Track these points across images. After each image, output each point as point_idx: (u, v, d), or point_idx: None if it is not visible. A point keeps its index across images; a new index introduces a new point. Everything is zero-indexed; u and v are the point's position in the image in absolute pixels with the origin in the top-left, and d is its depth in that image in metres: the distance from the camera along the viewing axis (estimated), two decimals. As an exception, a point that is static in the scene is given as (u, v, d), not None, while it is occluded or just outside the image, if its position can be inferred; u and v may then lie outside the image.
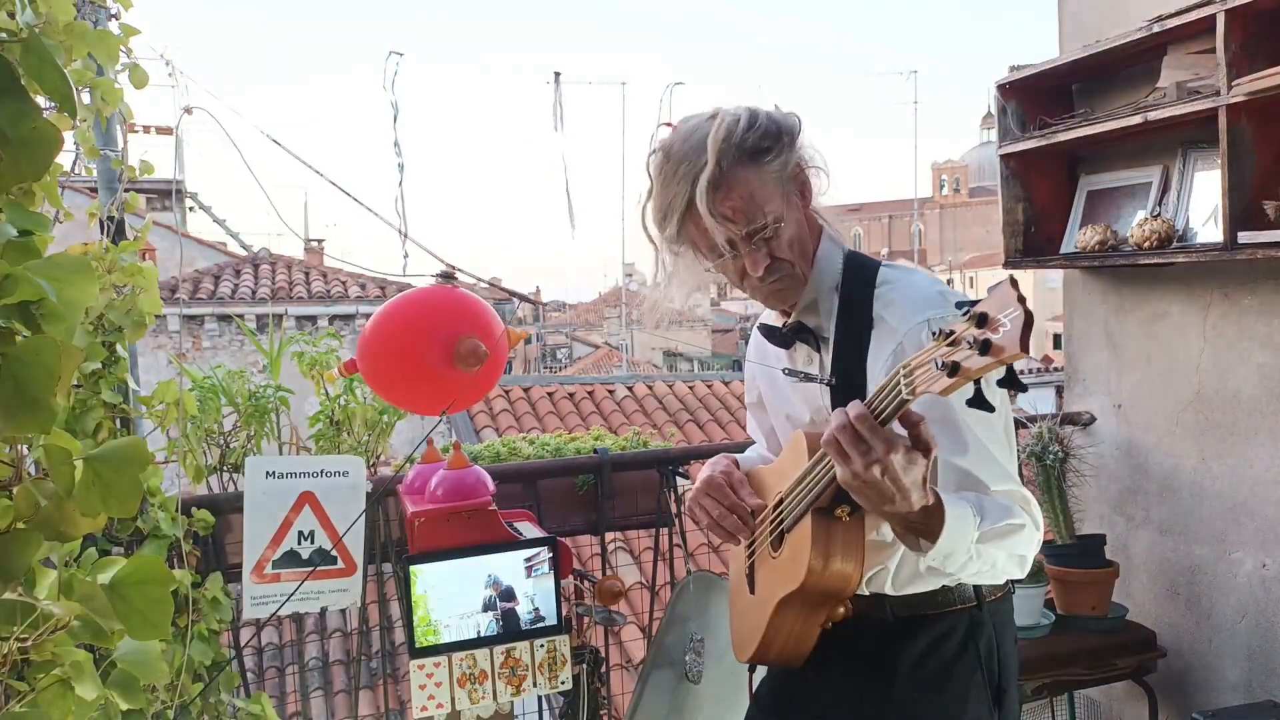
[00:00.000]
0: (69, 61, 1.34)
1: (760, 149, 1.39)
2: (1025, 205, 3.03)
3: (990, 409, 1.10)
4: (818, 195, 1.49)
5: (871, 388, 1.32)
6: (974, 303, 1.06)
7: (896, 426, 1.20)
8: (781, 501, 1.45)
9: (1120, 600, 2.92)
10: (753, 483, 1.60)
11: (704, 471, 1.62)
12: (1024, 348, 1.00)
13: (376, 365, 1.96)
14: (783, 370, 1.56)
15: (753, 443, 1.87)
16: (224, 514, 2.32)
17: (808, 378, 1.49)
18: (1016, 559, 1.38)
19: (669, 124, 1.45)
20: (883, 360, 1.38)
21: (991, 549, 1.33)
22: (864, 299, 1.44)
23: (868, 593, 1.48)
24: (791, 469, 1.42)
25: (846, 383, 1.41)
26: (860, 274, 1.47)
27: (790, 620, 1.44)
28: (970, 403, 1.09)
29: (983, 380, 1.07)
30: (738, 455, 1.75)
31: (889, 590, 1.47)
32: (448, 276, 1.99)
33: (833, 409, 1.41)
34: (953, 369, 1.06)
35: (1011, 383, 1.07)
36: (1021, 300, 1.00)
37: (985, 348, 1.02)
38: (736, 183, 1.39)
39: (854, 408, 1.20)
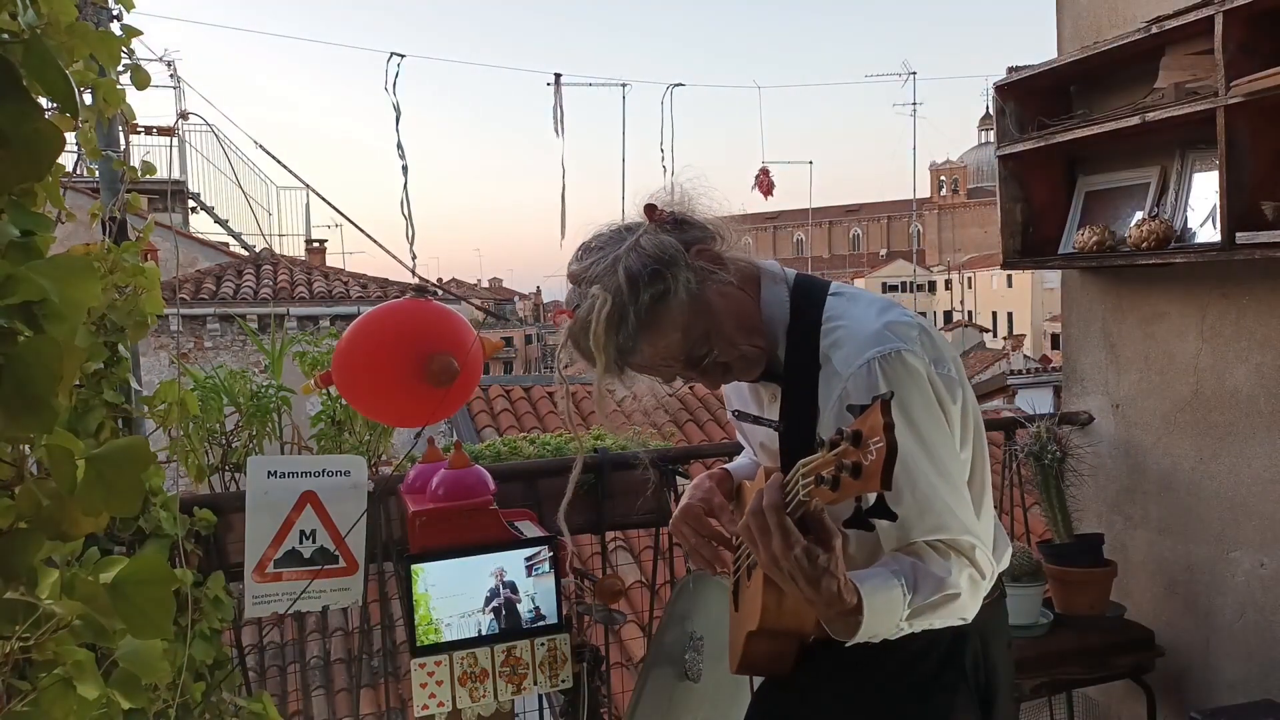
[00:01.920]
0: (70, 62, 1.34)
1: (657, 297, 1.32)
2: (1023, 206, 3.03)
3: (869, 529, 1.08)
4: (729, 252, 1.40)
5: (821, 431, 1.32)
6: (864, 408, 1.04)
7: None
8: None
9: (1118, 599, 2.93)
10: (743, 497, 1.61)
11: (685, 496, 1.63)
12: (884, 484, 0.98)
13: (350, 380, 1.97)
14: (732, 413, 1.56)
15: None
16: (226, 513, 2.32)
17: (756, 420, 1.49)
18: (955, 619, 1.37)
19: (563, 311, 1.38)
20: (830, 404, 1.35)
21: (924, 619, 1.31)
22: (810, 338, 1.40)
23: None
24: None
25: (794, 427, 1.39)
26: (807, 311, 1.42)
27: (762, 648, 1.45)
28: (848, 523, 1.08)
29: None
30: (731, 465, 1.75)
31: None
32: (421, 291, 2.00)
33: (781, 453, 1.40)
34: (834, 484, 1.04)
35: (879, 512, 1.05)
36: (888, 429, 0.98)
37: (856, 471, 1.01)
38: (654, 338, 1.35)
39: (769, 494, 1.18)
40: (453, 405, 2.01)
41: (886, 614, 1.27)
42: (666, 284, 1.33)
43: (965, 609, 1.36)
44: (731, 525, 1.55)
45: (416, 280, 2.01)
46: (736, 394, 1.62)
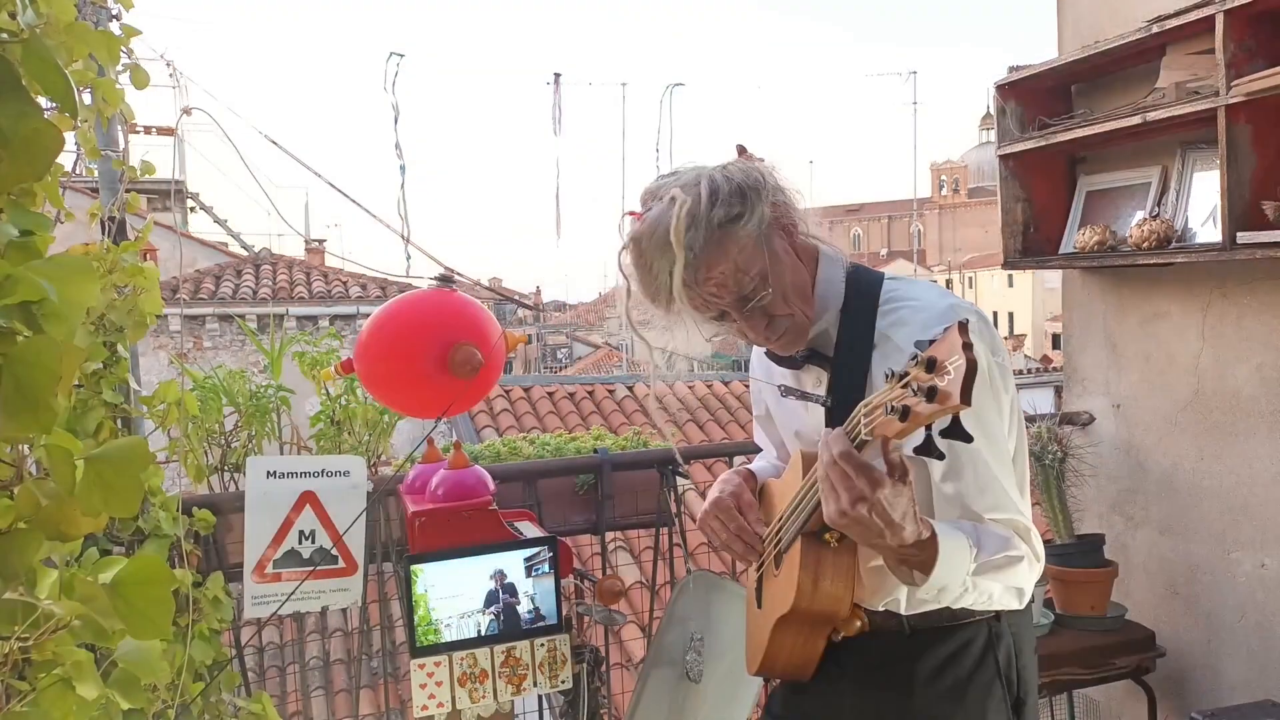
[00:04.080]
0: (70, 62, 1.33)
1: (730, 218, 1.33)
2: (1024, 205, 3.03)
3: (939, 456, 1.08)
4: (801, 223, 1.43)
5: None
6: (932, 342, 1.04)
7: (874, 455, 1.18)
8: (781, 521, 1.45)
9: (1119, 600, 2.92)
10: (766, 496, 1.60)
11: (713, 491, 1.61)
12: (964, 399, 0.98)
13: (372, 369, 1.96)
14: (779, 388, 1.54)
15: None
16: (225, 514, 2.32)
17: (803, 396, 1.47)
18: (1014, 591, 1.37)
19: (634, 213, 1.39)
20: None
21: (987, 581, 1.31)
22: (867, 318, 1.41)
23: (881, 608, 1.46)
24: (792, 489, 1.42)
25: (844, 403, 1.37)
26: (864, 292, 1.44)
27: (790, 639, 1.44)
28: (918, 450, 1.07)
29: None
30: (752, 466, 1.74)
31: (902, 610, 1.46)
32: (446, 280, 1.98)
33: (828, 429, 1.41)
34: (903, 413, 1.04)
35: (955, 433, 1.04)
36: (967, 347, 0.98)
37: (931, 394, 1.01)
38: (714, 259, 1.34)
39: (837, 443, 1.18)
40: (474, 397, 2.01)
41: (956, 561, 1.26)
42: (745, 208, 1.34)
43: (1024, 580, 1.35)
44: (759, 524, 1.54)
45: (443, 270, 1.99)
46: (771, 378, 1.61)
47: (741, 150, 1.41)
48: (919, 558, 1.24)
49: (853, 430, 1.17)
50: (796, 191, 1.43)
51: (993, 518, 1.33)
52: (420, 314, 1.97)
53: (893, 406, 1.06)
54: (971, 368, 0.98)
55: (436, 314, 1.95)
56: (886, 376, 1.09)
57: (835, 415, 1.39)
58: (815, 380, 1.49)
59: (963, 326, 1.01)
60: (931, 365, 1.01)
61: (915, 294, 1.42)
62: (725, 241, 1.33)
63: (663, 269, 1.33)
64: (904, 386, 1.05)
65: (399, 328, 1.95)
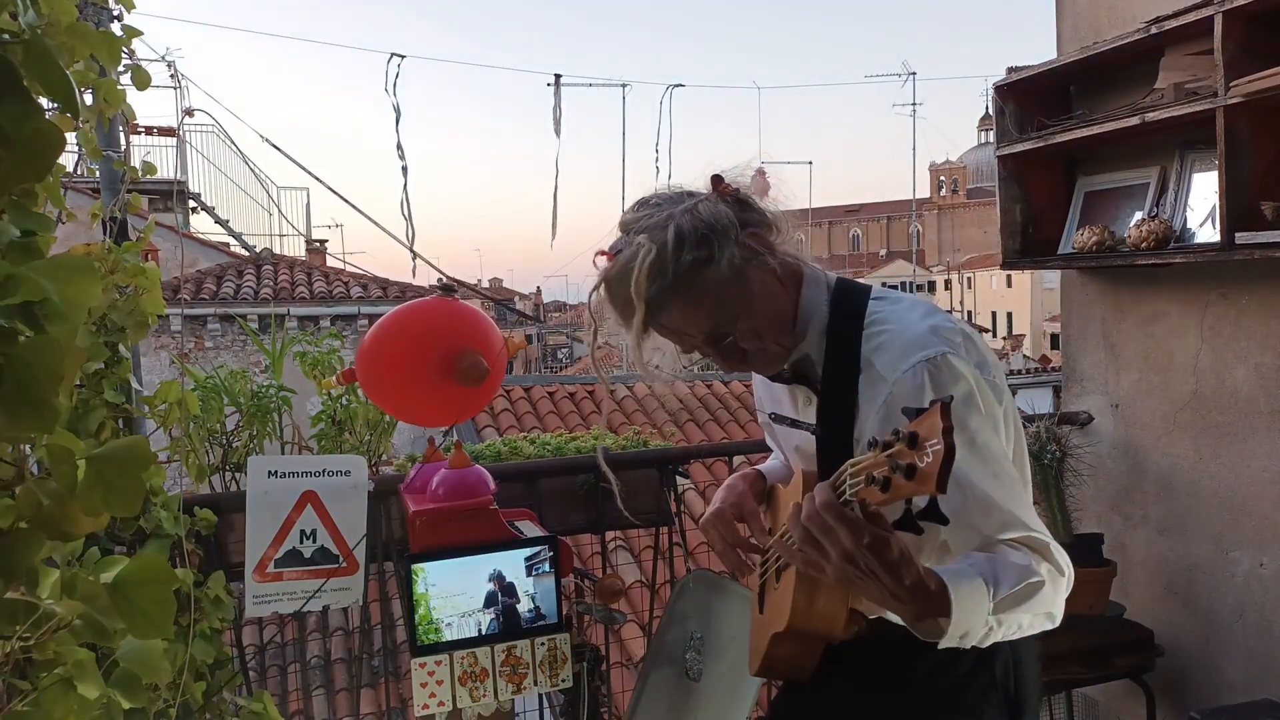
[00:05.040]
0: (71, 62, 1.34)
1: (697, 262, 1.31)
2: (1023, 206, 3.03)
3: (918, 532, 1.07)
4: (781, 246, 1.40)
5: (862, 434, 1.30)
6: (920, 411, 1.02)
7: None
8: (783, 536, 1.46)
9: (1118, 599, 2.93)
10: (774, 501, 1.60)
11: (717, 498, 1.61)
12: (940, 487, 0.97)
13: (376, 378, 1.96)
14: (769, 415, 1.54)
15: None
16: (226, 513, 2.32)
17: (794, 424, 1.47)
18: (1044, 616, 1.31)
19: (604, 253, 1.37)
20: (875, 408, 1.32)
21: (1013, 615, 1.26)
22: (851, 342, 1.38)
23: (874, 615, 1.46)
24: (795, 499, 1.42)
25: (832, 431, 1.38)
26: (847, 314, 1.40)
27: (786, 652, 1.45)
28: (898, 524, 1.06)
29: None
30: (763, 467, 1.73)
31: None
32: (448, 289, 1.99)
33: (818, 456, 1.38)
34: (884, 485, 1.03)
35: (931, 515, 1.04)
36: (946, 432, 0.97)
37: (910, 473, 1.00)
38: (680, 305, 1.33)
39: (822, 492, 1.15)
40: (478, 404, 2.01)
41: (974, 604, 1.21)
42: (711, 252, 1.31)
43: (1052, 603, 1.29)
44: (762, 534, 1.54)
45: (444, 278, 2.00)
46: (770, 396, 1.59)
47: (717, 181, 1.37)
48: (933, 610, 1.20)
49: (839, 487, 1.15)
50: (778, 214, 1.41)
51: (1005, 538, 1.28)
52: (423, 323, 1.97)
53: (873, 476, 1.05)
54: (949, 454, 0.97)
55: (439, 322, 1.95)
56: (870, 445, 1.08)
57: (824, 444, 1.39)
58: (806, 399, 1.48)
59: (945, 408, 0.99)
60: (914, 441, 1.00)
61: (897, 315, 1.39)
62: (692, 287, 1.32)
63: (630, 314, 1.33)
64: (888, 457, 1.03)
65: (402, 337, 1.95)
